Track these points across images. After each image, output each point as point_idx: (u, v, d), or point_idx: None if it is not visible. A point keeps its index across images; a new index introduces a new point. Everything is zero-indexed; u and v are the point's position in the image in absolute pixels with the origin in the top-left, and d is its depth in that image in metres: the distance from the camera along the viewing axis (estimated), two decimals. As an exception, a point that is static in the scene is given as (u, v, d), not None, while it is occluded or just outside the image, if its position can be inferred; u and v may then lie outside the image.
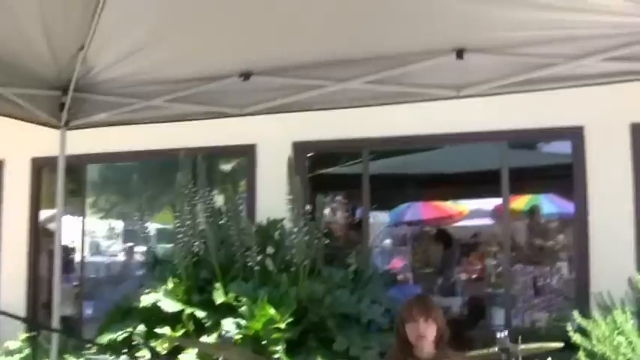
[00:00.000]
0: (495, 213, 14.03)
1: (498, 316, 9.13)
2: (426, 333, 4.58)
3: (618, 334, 5.85)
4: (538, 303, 9.38)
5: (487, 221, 14.68)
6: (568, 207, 13.27)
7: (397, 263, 11.94)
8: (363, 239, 9.16)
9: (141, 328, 7.56)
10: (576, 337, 6.27)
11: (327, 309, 7.48)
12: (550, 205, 13.70)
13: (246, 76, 5.57)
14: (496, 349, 4.08)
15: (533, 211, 11.71)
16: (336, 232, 10.57)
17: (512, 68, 4.90)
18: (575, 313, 6.68)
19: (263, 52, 5.22)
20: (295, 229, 7.54)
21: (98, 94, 5.96)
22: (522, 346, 4.17)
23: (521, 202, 13.03)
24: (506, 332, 3.95)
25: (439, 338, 4.64)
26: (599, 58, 4.65)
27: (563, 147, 10.56)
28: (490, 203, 14.37)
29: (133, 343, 7.38)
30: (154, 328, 7.41)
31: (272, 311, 7.02)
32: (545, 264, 10.38)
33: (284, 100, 5.60)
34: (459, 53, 4.87)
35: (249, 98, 5.72)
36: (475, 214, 15.12)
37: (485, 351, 4.66)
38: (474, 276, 11.47)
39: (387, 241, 13.23)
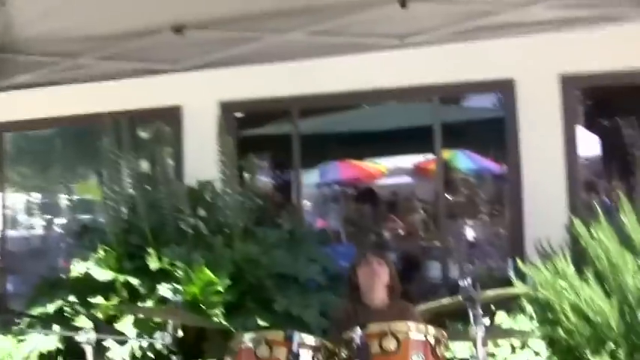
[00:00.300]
0: (415, 171, 14.53)
1: (434, 268, 9.19)
2: (380, 273, 4.55)
3: (560, 279, 5.91)
4: (472, 254, 9.46)
5: (406, 179, 14.81)
6: (484, 162, 13.65)
7: (326, 223, 11.88)
8: (295, 199, 9.05)
9: (72, 299, 7.31)
10: (517, 284, 6.32)
11: (264, 270, 7.35)
12: (467, 160, 13.81)
13: (178, 29, 5.35)
14: (459, 297, 4.04)
15: (449, 167, 11.79)
16: (267, 193, 10.43)
17: (457, 16, 4.82)
18: (517, 260, 6.74)
19: (197, 3, 5.01)
20: (228, 190, 7.37)
21: (21, 54, 5.64)
22: (489, 293, 4.13)
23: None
24: (469, 280, 3.91)
25: (392, 287, 4.60)
26: (544, 5, 4.61)
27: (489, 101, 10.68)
28: (408, 161, 14.63)
29: (66, 314, 7.13)
30: (86, 299, 7.17)
31: (210, 274, 6.85)
32: (474, 217, 10.49)
33: (219, 55, 5.40)
34: (403, 2, 4.77)
35: (183, 53, 5.51)
36: (394, 172, 15.14)
37: (444, 301, 4.62)
38: (404, 232, 11.51)
39: (315, 201, 13.17)
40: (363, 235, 11.35)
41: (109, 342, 6.63)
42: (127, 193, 7.75)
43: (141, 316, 6.89)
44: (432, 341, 3.75)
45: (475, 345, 3.76)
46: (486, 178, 13.16)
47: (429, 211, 11.42)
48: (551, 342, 5.97)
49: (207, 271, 6.87)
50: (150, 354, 6.91)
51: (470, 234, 10.20)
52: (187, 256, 7.20)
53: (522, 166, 7.91)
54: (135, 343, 6.86)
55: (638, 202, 6.33)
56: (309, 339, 3.79)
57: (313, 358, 3.75)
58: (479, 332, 3.74)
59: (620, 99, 10.26)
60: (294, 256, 7.65)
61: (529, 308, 6.23)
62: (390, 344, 3.60)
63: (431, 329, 3.78)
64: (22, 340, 7.40)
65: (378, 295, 4.59)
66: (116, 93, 7.48)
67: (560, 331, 5.85)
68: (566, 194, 7.75)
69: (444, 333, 3.91)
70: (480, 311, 3.84)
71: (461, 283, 3.93)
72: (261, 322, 7.01)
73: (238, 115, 8.94)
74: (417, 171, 14.52)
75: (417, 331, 3.73)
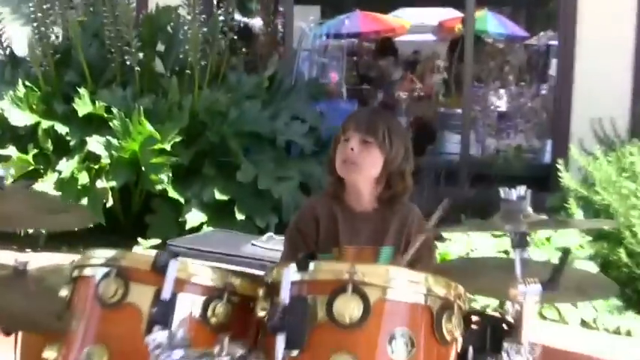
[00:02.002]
0: (439, 29, 13.22)
1: (451, 141, 7.42)
2: (359, 158, 2.75)
3: (627, 179, 4.16)
4: (502, 128, 7.61)
5: (429, 37, 13.47)
6: (516, 29, 12.01)
7: (329, 76, 10.07)
8: (286, 41, 7.20)
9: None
10: (567, 179, 4.59)
11: (230, 126, 5.67)
12: (497, 24, 12.27)
13: None
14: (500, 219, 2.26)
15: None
16: (253, 32, 8.52)
17: None
18: (573, 148, 5.01)
19: None
20: (189, 17, 5.58)
21: None
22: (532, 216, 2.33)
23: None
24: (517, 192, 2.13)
25: (388, 181, 2.83)
26: None
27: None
28: (434, 18, 13.39)
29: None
30: (-1, 148, 5.53)
31: (149, 128, 5.15)
32: (502, 87, 8.67)
33: None
34: None
35: None
36: (417, 29, 13.61)
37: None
38: (421, 94, 9.68)
39: (318, 52, 11.35)
40: (370, 93, 9.51)
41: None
42: (62, 14, 5.98)
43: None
44: (436, 306, 1.97)
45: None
46: (516, 46, 11.45)
47: (451, 73, 9.62)
48: (606, 264, 4.27)
49: (147, 125, 5.16)
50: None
51: (497, 103, 8.39)
52: (131, 102, 5.49)
53: (577, 35, 6.29)
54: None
55: None
56: (200, 272, 1.95)
57: (205, 308, 1.96)
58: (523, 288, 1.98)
59: None
60: (274, 111, 5.96)
61: (578, 212, 4.51)
62: (349, 308, 1.84)
63: (437, 281, 1.95)
64: None
65: (360, 195, 2.80)
66: None
67: (622, 253, 4.17)
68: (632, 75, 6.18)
69: (462, 290, 2.06)
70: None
71: (503, 193, 2.15)
72: (219, 196, 5.38)
73: None
74: (442, 29, 13.11)
75: (406, 285, 1.92)
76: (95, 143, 5.29)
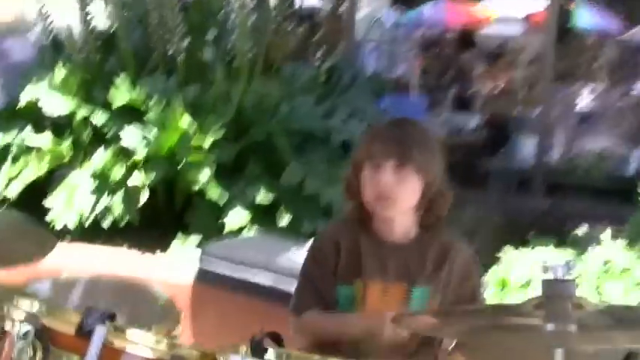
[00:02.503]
0: (526, 21, 12.34)
1: (527, 144, 6.77)
2: (396, 191, 2.25)
3: None
4: (584, 131, 6.92)
5: (517, 30, 12.50)
6: (611, 22, 11.17)
7: (399, 69, 9.52)
8: (349, 29, 6.68)
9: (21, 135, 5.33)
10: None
11: (280, 122, 5.20)
12: (589, 16, 11.49)
13: None
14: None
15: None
16: (315, 20, 7.96)
17: None
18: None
19: None
20: (237, 4, 5.12)
21: None
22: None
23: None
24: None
25: (427, 205, 2.32)
26: None
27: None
28: (521, 10, 12.49)
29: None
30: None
31: (186, 121, 4.72)
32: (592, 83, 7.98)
33: None
34: None
35: None
36: (503, 20, 12.78)
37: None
38: (496, 91, 9.04)
39: (391, 42, 10.80)
40: (443, 88, 8.91)
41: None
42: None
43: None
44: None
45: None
46: (609, 41, 10.69)
47: (535, 70, 9.01)
48: None
49: (187, 118, 4.73)
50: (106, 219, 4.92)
51: (581, 103, 7.71)
52: (170, 91, 5.06)
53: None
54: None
55: None
56: (140, 340, 1.43)
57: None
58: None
59: None
60: (330, 108, 5.45)
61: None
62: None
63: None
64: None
65: (393, 224, 2.30)
66: None
67: None
68: None
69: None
70: None
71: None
72: (263, 197, 4.92)
73: None
74: (529, 22, 12.23)
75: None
76: (129, 136, 4.89)
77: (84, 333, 1.48)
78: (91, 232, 4.96)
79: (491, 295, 3.80)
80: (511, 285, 3.89)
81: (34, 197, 5.06)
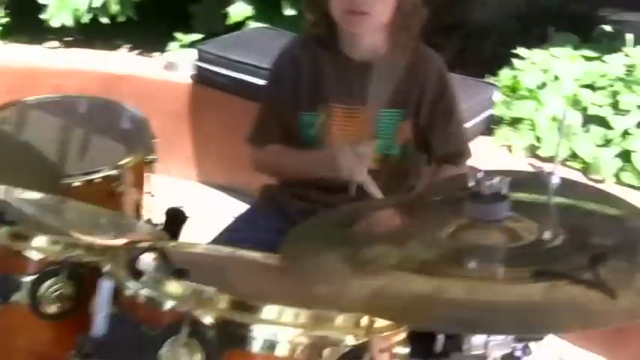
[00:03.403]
0: None
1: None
2: (369, 4, 2.05)
3: None
4: None
5: None
6: None
7: None
8: None
9: None
10: None
11: None
12: None
13: None
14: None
15: None
16: None
17: None
18: None
19: None
20: None
21: None
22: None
23: None
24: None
25: (400, 21, 2.11)
26: None
27: None
28: None
29: None
30: None
31: None
32: None
33: None
34: None
35: None
36: None
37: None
38: None
39: None
40: None
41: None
42: None
43: None
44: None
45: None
46: None
47: None
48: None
49: None
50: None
51: None
52: None
53: None
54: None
55: None
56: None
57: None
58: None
59: None
60: None
61: None
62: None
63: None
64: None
65: (361, 40, 2.08)
66: None
67: None
68: None
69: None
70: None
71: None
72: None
73: None
74: None
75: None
76: None
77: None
78: (91, 30, 4.80)
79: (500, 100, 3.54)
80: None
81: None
